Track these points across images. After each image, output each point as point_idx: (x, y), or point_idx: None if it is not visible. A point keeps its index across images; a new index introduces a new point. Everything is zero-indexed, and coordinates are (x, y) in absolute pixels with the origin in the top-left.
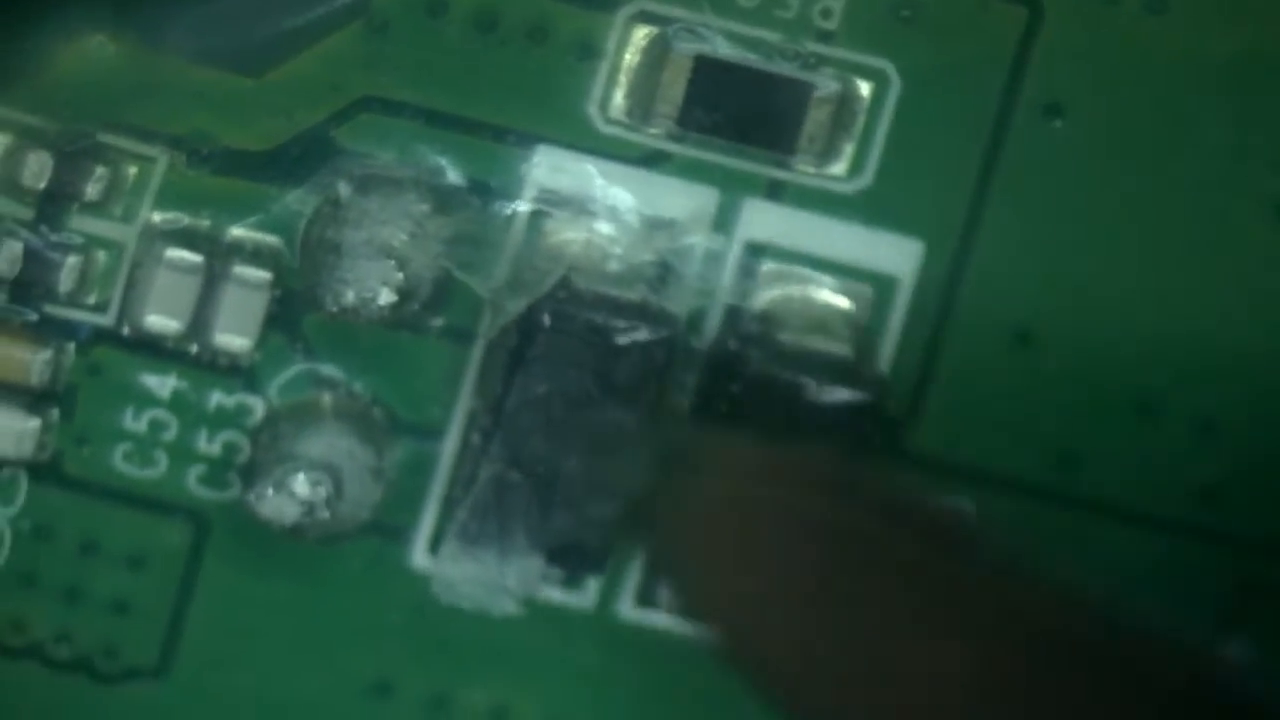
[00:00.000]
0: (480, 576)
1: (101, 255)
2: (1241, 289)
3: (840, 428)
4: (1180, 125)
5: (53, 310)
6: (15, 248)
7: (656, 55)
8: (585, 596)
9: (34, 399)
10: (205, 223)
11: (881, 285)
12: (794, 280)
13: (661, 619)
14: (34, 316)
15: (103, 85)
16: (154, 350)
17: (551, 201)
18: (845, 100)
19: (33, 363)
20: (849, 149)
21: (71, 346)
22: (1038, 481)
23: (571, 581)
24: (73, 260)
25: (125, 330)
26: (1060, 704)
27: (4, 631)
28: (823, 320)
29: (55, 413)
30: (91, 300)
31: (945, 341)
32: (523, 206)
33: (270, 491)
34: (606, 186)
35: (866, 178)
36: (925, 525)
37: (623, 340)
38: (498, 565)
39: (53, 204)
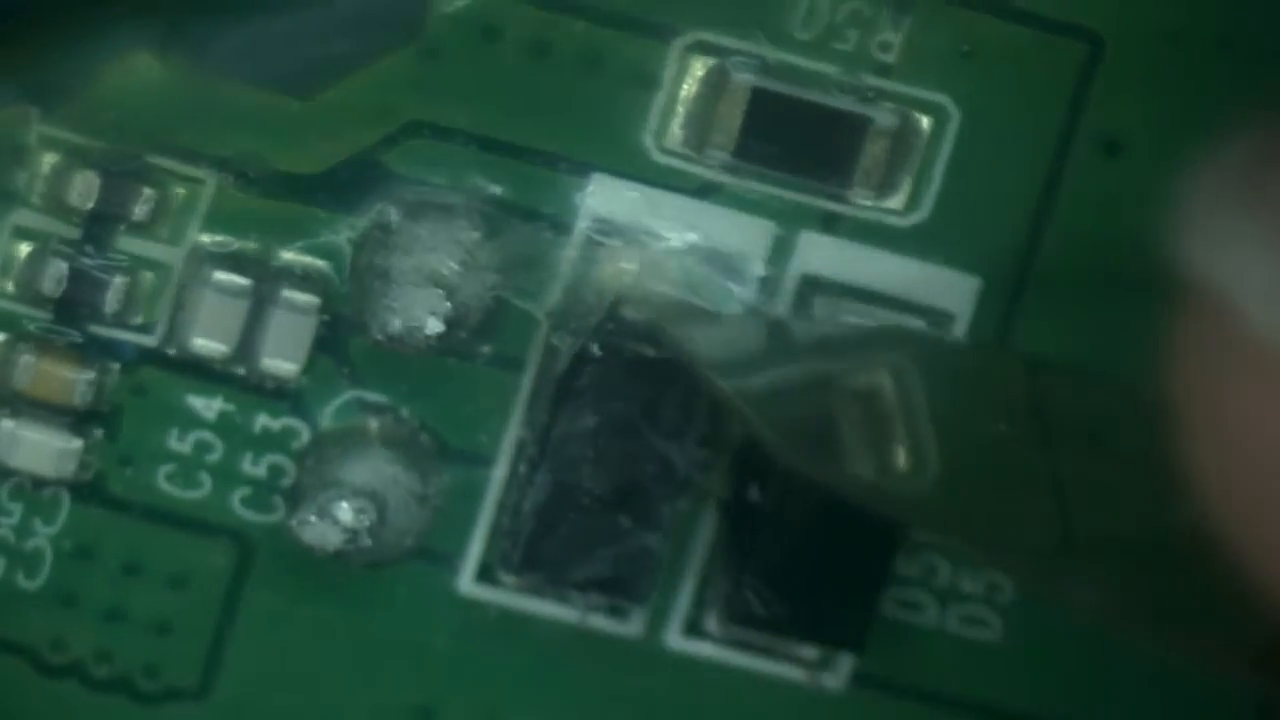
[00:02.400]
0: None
1: (148, 276)
2: None
3: None
4: None
5: (98, 330)
6: (61, 267)
7: (713, 86)
8: (632, 625)
9: (77, 419)
10: (253, 246)
11: (938, 320)
12: (849, 314)
13: (708, 649)
14: (78, 337)
15: (150, 105)
16: (200, 372)
17: (605, 230)
18: (903, 134)
19: (76, 383)
20: (907, 183)
21: (116, 367)
22: None
23: (617, 611)
24: (119, 281)
25: (171, 351)
26: None
27: (45, 650)
28: None
29: (99, 433)
30: (138, 321)
31: None
32: (576, 235)
33: (313, 518)
34: (661, 217)
35: (924, 212)
36: None
37: (671, 372)
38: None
39: (99, 224)
